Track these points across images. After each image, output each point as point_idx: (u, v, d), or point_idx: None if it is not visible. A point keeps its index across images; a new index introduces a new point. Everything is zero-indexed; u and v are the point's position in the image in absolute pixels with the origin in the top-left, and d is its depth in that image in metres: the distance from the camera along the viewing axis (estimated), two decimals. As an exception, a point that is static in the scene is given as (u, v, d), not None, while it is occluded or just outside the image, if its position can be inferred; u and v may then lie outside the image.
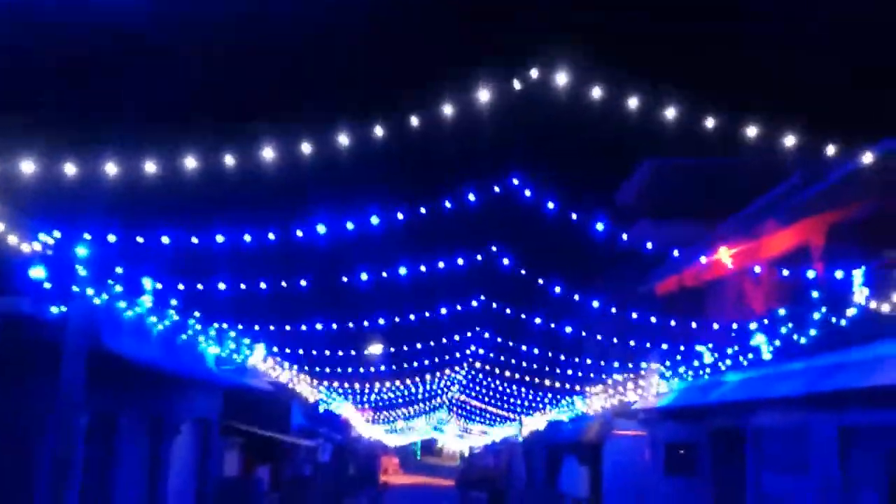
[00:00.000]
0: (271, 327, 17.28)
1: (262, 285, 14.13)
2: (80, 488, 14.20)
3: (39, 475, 11.81)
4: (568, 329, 17.22)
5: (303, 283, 14.17)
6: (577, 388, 25.63)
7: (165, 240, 11.18)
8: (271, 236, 11.24)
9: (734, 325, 14.96)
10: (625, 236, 11.92)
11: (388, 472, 62.72)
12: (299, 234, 11.26)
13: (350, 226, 11.33)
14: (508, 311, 17.30)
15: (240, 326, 17.23)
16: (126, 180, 8.30)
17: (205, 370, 17.51)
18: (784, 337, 13.57)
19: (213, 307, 15.58)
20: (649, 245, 12.30)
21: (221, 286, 14.09)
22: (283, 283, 14.19)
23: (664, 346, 17.26)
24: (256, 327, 17.28)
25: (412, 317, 17.43)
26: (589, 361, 20.90)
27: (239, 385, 20.11)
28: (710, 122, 8.58)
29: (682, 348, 17.17)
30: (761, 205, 17.87)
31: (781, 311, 13.45)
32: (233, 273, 14.00)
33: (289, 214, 10.96)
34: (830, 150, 8.65)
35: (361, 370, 23.78)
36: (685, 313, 17.40)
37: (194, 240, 11.15)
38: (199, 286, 14.11)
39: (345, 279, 14.30)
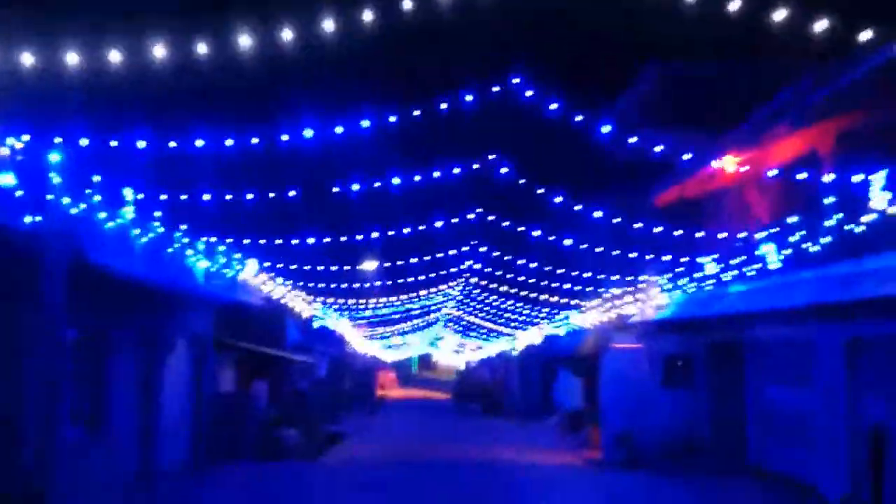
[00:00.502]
0: (262, 241, 16.57)
1: (249, 196, 13.35)
2: (70, 406, 13.80)
3: (27, 396, 11.27)
4: (568, 241, 16.55)
5: (291, 193, 13.39)
6: (574, 302, 25.16)
7: (141, 144, 10.34)
8: (254, 140, 10.41)
9: (743, 234, 14.29)
10: (634, 139, 11.11)
11: (386, 387, 63.21)
12: (284, 138, 10.43)
13: (339, 129, 10.50)
14: (506, 223, 16.60)
15: (229, 240, 16.51)
16: (90, 70, 7.42)
17: (195, 285, 16.88)
18: (794, 245, 12.93)
19: (200, 219, 14.84)
20: (658, 148, 11.49)
21: (206, 196, 13.32)
22: (271, 194, 13.40)
23: (666, 258, 16.64)
24: (247, 241, 16.57)
25: (406, 230, 16.72)
26: (588, 275, 20.32)
27: (232, 300, 19.54)
28: (733, 4, 7.69)
29: (684, 260, 16.55)
30: (769, 111, 16.99)
31: (792, 219, 12.77)
32: (217, 182, 13.21)
33: (272, 115, 10.10)
34: (863, 36, 7.80)
35: (356, 286, 23.23)
36: (687, 225, 16.72)
37: (172, 144, 10.32)
38: (183, 196, 13.34)
39: (335, 189, 13.53)
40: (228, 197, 13.31)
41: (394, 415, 40.86)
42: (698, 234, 14.89)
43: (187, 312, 18.11)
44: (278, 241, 16.56)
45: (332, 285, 22.59)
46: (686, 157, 11.67)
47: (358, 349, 47.40)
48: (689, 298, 19.18)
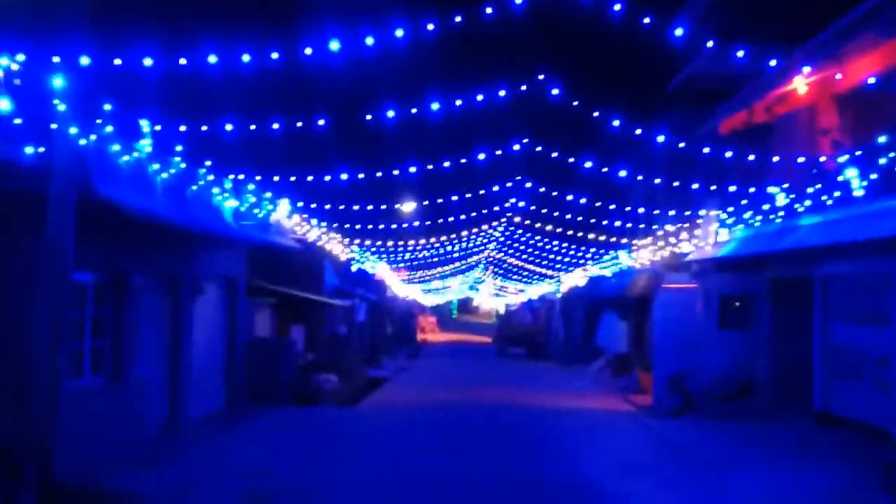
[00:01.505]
0: (292, 178, 15.38)
1: (275, 125, 12.10)
2: (89, 353, 12.93)
3: (34, 337, 10.33)
4: (622, 173, 15.09)
5: (321, 122, 12.11)
6: (624, 241, 23.73)
7: (148, 61, 9.11)
8: (274, 56, 9.11)
9: (823, 159, 12.72)
10: (710, 43, 9.59)
11: (426, 331, 62.71)
12: (308, 51, 9.11)
13: (370, 40, 9.14)
14: (555, 153, 15.17)
15: (258, 178, 15.35)
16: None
17: (223, 225, 15.83)
18: (883, 169, 11.37)
19: (224, 154, 13.66)
20: (740, 54, 9.92)
21: (228, 127, 12.10)
22: (298, 124, 12.14)
23: (732, 189, 15.12)
24: (276, 178, 15.40)
25: (447, 164, 15.38)
26: (641, 210, 18.86)
27: (264, 242, 18.50)
28: None
29: (751, 190, 15.02)
30: (845, 24, 15.18)
31: (882, 139, 11.20)
32: (238, 109, 11.97)
33: (292, 25, 8.78)
34: None
35: (394, 227, 22.02)
36: (754, 152, 15.15)
37: (182, 61, 9.07)
38: (204, 128, 12.14)
39: (368, 117, 12.22)
40: (252, 127, 12.05)
41: (434, 359, 40.06)
42: (774, 159, 13.30)
43: (216, 255, 17.11)
44: (310, 178, 15.33)
45: (369, 226, 21.43)
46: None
47: (398, 293, 46.57)
48: (751, 234, 17.69)
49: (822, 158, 13.05)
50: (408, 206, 26.35)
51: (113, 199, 11.01)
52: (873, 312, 15.60)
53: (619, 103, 12.49)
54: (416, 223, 22.63)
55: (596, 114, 12.16)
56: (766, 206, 15.34)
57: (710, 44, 9.63)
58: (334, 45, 9.00)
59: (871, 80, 11.43)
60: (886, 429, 14.50)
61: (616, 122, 12.22)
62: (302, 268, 24.73)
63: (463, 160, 15.23)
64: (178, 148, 13.09)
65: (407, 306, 52.60)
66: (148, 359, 14.96)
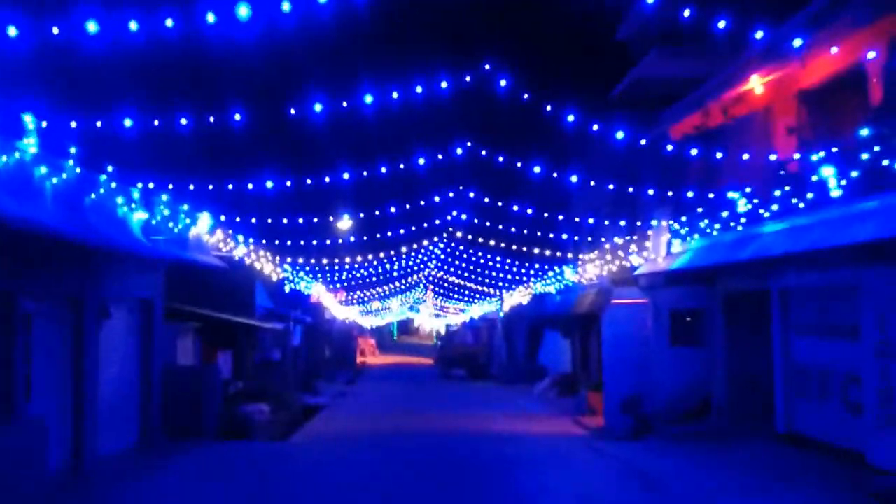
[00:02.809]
0: (210, 186, 13.50)
1: (183, 121, 10.27)
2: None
3: None
4: (573, 178, 13.65)
5: (236, 117, 10.33)
6: (570, 255, 22.38)
7: (12, 31, 7.26)
8: (169, 23, 7.35)
9: (796, 156, 11.47)
10: (687, 12, 8.20)
11: (366, 354, 60.64)
12: (210, 19, 7.38)
13: (286, 6, 7.47)
14: (500, 158, 13.67)
15: (170, 186, 13.43)
16: None
17: (131, 241, 13.86)
18: (865, 165, 10.14)
19: (126, 156, 11.76)
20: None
21: (128, 122, 10.24)
22: (210, 118, 10.34)
23: (689, 194, 13.82)
24: (191, 187, 13.50)
25: (383, 170, 13.72)
26: (591, 220, 17.48)
27: (184, 260, 16.51)
28: None
29: (709, 196, 13.74)
30: (802, 19, 14.11)
31: (864, 132, 9.97)
32: (138, 102, 10.13)
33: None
34: None
35: (328, 242, 20.21)
36: (711, 156, 13.90)
37: (55, 30, 7.25)
38: (98, 123, 10.26)
39: (292, 111, 10.50)
40: (156, 122, 10.21)
41: (375, 383, 38.11)
42: (743, 158, 11.99)
43: (127, 274, 15.08)
44: (230, 187, 13.49)
45: (301, 242, 19.56)
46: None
47: (336, 315, 44.53)
48: (707, 244, 16.46)
49: (796, 156, 11.80)
50: (343, 221, 24.57)
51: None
52: (839, 326, 14.46)
53: (571, 97, 11.04)
54: (352, 238, 20.88)
55: (548, 108, 10.69)
56: (724, 213, 14.06)
57: (686, 13, 8.20)
58: (243, 11, 7.29)
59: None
60: (858, 451, 13.30)
61: (570, 118, 10.76)
62: (229, 289, 22.70)
63: (401, 165, 13.59)
64: (72, 150, 11.15)
65: (346, 329, 50.52)
66: (45, 392, 12.90)
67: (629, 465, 14.78)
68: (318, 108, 10.43)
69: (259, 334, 25.71)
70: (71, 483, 13.00)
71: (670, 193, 14.02)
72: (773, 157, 11.99)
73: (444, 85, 10.55)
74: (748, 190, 13.09)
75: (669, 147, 12.19)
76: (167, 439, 16.91)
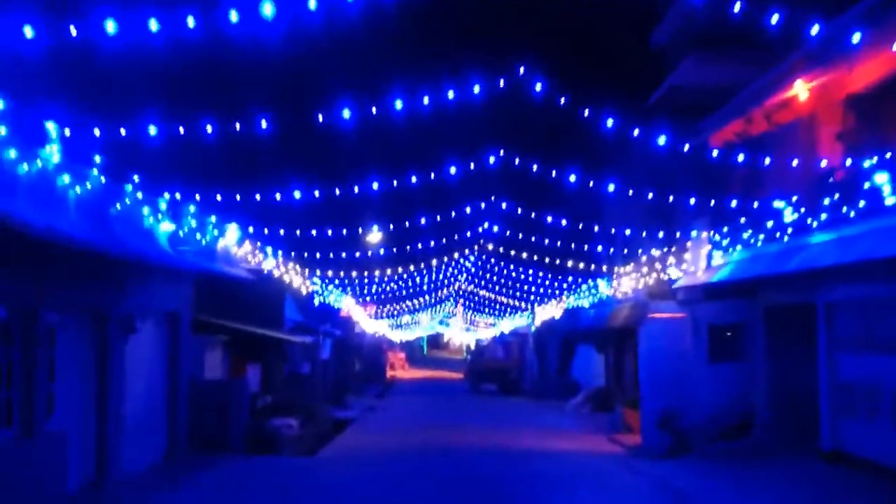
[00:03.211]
0: (237, 196, 13.20)
1: (208, 128, 9.96)
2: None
3: None
4: (610, 187, 13.13)
5: (263, 123, 10.00)
6: (604, 268, 21.78)
7: (28, 32, 6.98)
8: (191, 22, 7.01)
9: (848, 162, 10.86)
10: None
11: (395, 368, 60.23)
12: (233, 18, 7.04)
13: (312, 4, 7.11)
14: (534, 167, 13.21)
15: (196, 196, 13.15)
16: None
17: (158, 252, 13.58)
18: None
19: (151, 165, 11.47)
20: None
21: (152, 130, 9.95)
22: (237, 125, 10.01)
23: (733, 203, 13.23)
24: (219, 197, 13.20)
25: (413, 179, 13.33)
26: (628, 231, 16.91)
27: (212, 272, 16.24)
28: None
29: (755, 205, 13.15)
30: (848, 19, 13.48)
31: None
32: (162, 108, 9.83)
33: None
34: None
35: (357, 255, 19.84)
36: (756, 164, 13.31)
37: (73, 31, 6.95)
38: (122, 131, 9.98)
39: (320, 118, 10.15)
40: (181, 130, 9.91)
41: (404, 397, 37.64)
42: (794, 164, 11.39)
43: (153, 287, 14.82)
44: (258, 197, 13.17)
45: (330, 255, 19.22)
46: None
47: (366, 329, 44.20)
48: (749, 256, 15.82)
49: (848, 161, 11.19)
50: (372, 234, 24.23)
51: (3, 213, 8.81)
52: (889, 341, 13.75)
53: (607, 104, 10.54)
54: (382, 251, 20.50)
55: (586, 112, 10.22)
56: (769, 224, 13.44)
57: (737, 7, 7.69)
58: (268, 10, 6.93)
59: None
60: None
61: (609, 122, 10.27)
62: (258, 302, 22.41)
63: (432, 175, 13.18)
64: (96, 158, 10.89)
65: (375, 342, 50.17)
66: (68, 407, 12.63)
67: (667, 486, 14.13)
68: (346, 114, 10.06)
69: (288, 348, 25.39)
70: (92, 499, 12.69)
71: (713, 203, 13.43)
72: (823, 164, 11.37)
73: (476, 90, 10.13)
74: (794, 199, 12.46)
75: (715, 153, 11.59)
76: (194, 454, 16.60)
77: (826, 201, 11.61)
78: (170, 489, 13.70)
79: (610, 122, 10.24)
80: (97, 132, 10.01)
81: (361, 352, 44.91)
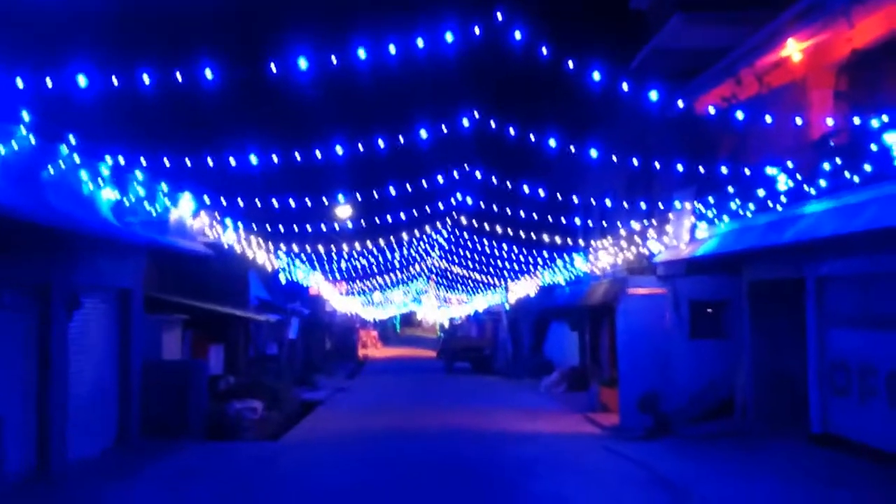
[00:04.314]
0: (187, 161, 11.97)
1: (145, 78, 8.75)
2: None
3: None
4: (592, 153, 12.10)
5: (208, 74, 8.79)
6: (581, 242, 20.84)
7: None
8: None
9: (856, 120, 9.90)
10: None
11: (368, 346, 59.29)
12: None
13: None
14: (512, 130, 12.14)
15: (142, 161, 11.90)
16: None
17: (101, 223, 12.35)
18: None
19: (90, 125, 10.23)
20: None
21: (82, 81, 8.72)
22: (178, 76, 8.81)
23: (724, 170, 12.27)
24: (166, 162, 11.97)
25: (381, 143, 12.19)
26: (608, 202, 15.92)
27: (162, 246, 15.02)
28: None
29: (746, 172, 12.19)
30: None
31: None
32: (97, 57, 8.62)
33: None
34: None
35: (324, 227, 18.66)
36: (746, 128, 12.36)
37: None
38: (48, 81, 8.74)
39: (273, 69, 8.98)
40: (114, 81, 8.69)
41: (376, 377, 36.61)
42: (797, 122, 10.40)
43: (99, 261, 13.58)
44: (210, 162, 11.97)
45: (295, 227, 18.03)
46: None
47: (337, 308, 43.05)
48: (736, 228, 14.93)
49: (856, 120, 10.22)
50: (340, 208, 23.05)
51: None
52: (885, 317, 12.94)
53: (595, 57, 9.47)
54: (350, 224, 19.32)
55: (570, 64, 9.15)
56: (761, 193, 12.50)
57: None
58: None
59: None
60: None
61: (596, 75, 9.21)
62: (221, 279, 21.20)
63: (401, 139, 12.06)
64: (25, 115, 9.63)
65: (347, 321, 49.07)
66: (5, 389, 11.46)
67: (650, 470, 13.26)
68: (302, 63, 8.90)
69: (253, 327, 24.25)
70: (33, 487, 11.57)
71: (702, 169, 12.46)
72: (829, 122, 10.41)
73: (449, 38, 9.00)
74: (790, 165, 11.53)
75: (711, 109, 10.59)
76: (148, 440, 15.46)
77: (826, 166, 10.68)
78: (118, 477, 12.60)
79: (597, 76, 9.18)
80: (20, 83, 8.75)
81: (332, 331, 43.82)
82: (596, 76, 9.18)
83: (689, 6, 16.30)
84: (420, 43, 9.00)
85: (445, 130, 12.19)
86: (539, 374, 31.28)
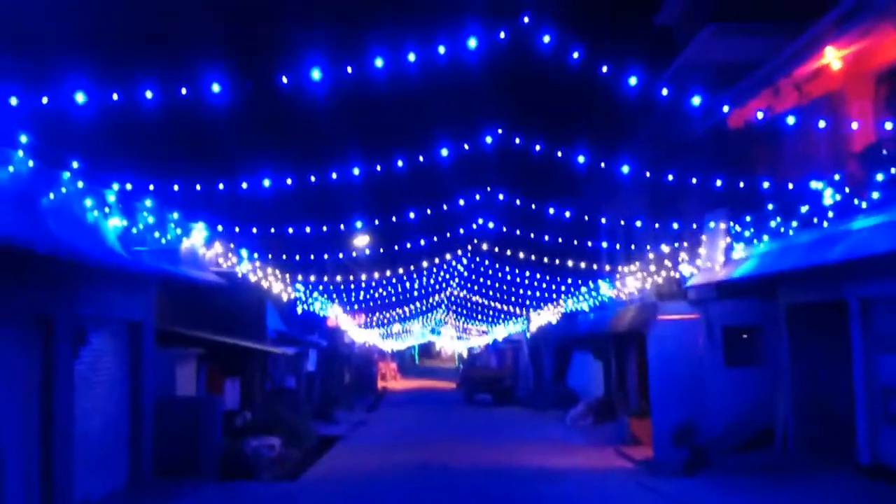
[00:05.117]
0: (197, 186, 11.30)
1: (148, 94, 8.09)
2: None
3: None
4: (624, 169, 11.31)
5: (215, 88, 8.12)
6: (607, 268, 19.96)
7: None
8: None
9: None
10: None
11: (387, 378, 58.29)
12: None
13: None
14: (538, 146, 11.39)
15: (150, 187, 11.24)
16: None
17: (107, 253, 11.66)
18: None
19: (92, 147, 9.58)
20: None
21: (80, 98, 8.07)
22: (183, 91, 8.13)
23: (766, 185, 11.43)
24: (175, 188, 11.30)
25: (400, 163, 11.48)
26: (639, 224, 15.08)
27: (175, 276, 14.31)
28: None
29: (789, 186, 11.35)
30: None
31: None
32: (95, 72, 7.98)
33: None
34: None
35: (341, 255, 17.91)
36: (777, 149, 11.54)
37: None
38: (45, 100, 8.10)
39: (284, 81, 8.29)
40: (115, 97, 8.03)
41: (396, 409, 35.64)
42: (853, 126, 9.56)
43: (106, 293, 12.88)
44: (221, 186, 11.28)
45: (311, 256, 17.30)
46: None
47: (356, 339, 42.21)
48: (775, 249, 14.04)
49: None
50: (358, 238, 22.36)
51: None
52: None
53: (629, 61, 8.72)
54: (367, 251, 18.57)
55: (604, 69, 8.40)
56: (804, 209, 11.64)
57: None
58: None
59: None
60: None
61: (633, 81, 8.45)
62: (237, 311, 20.48)
63: (420, 158, 11.34)
64: (22, 138, 8.99)
65: (366, 353, 48.18)
66: (6, 429, 10.71)
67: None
68: (316, 75, 8.21)
69: (271, 360, 23.46)
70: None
71: (741, 184, 11.62)
72: (889, 126, 9.56)
73: (472, 44, 8.29)
74: (837, 178, 10.67)
75: (761, 114, 9.77)
76: (160, 481, 14.63)
77: (880, 177, 9.81)
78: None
79: (633, 81, 8.41)
80: (14, 101, 8.11)
81: (351, 363, 42.94)
82: (633, 81, 8.40)
83: (720, 17, 15.54)
84: (441, 50, 8.29)
85: (467, 148, 11.44)
86: (562, 404, 30.22)
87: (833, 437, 15.21)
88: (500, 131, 11.27)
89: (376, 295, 26.58)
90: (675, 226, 14.57)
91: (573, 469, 16.79)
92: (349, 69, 8.24)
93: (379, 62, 8.27)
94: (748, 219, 13.62)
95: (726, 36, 15.50)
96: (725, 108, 9.60)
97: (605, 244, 17.79)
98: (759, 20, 15.34)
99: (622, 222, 15.46)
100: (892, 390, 13.33)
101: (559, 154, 11.25)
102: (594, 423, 25.28)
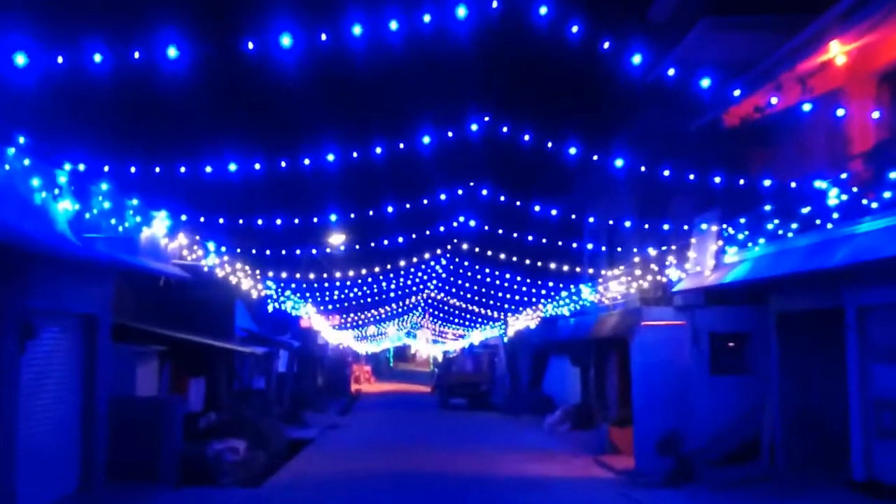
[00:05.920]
0: (157, 170, 10.35)
1: (97, 57, 7.16)
2: None
3: None
4: (618, 162, 10.54)
5: (172, 52, 7.20)
6: (590, 271, 19.21)
7: None
8: None
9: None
10: None
11: (361, 381, 57.21)
12: None
13: None
14: (527, 136, 10.59)
15: (105, 168, 10.26)
16: None
17: (55, 238, 10.67)
18: None
19: (40, 122, 8.62)
20: None
21: (20, 60, 7.12)
22: (135, 54, 7.21)
23: (767, 182, 10.70)
24: (133, 170, 10.34)
25: (378, 150, 10.61)
26: (628, 223, 14.32)
27: (132, 267, 13.30)
28: None
29: (792, 185, 10.63)
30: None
31: None
32: (37, 39, 7.04)
33: None
34: None
35: (314, 251, 16.97)
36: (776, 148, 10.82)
37: None
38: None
39: (250, 46, 7.40)
40: (59, 60, 7.11)
41: (370, 413, 34.66)
42: (874, 116, 8.82)
43: (57, 284, 11.85)
44: (182, 170, 10.34)
45: (283, 251, 16.36)
46: None
47: (329, 340, 41.17)
48: (771, 253, 13.34)
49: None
50: (333, 236, 21.45)
51: None
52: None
53: (632, 39, 7.93)
54: (343, 247, 17.66)
55: (605, 45, 7.58)
56: (805, 210, 10.93)
57: None
58: None
59: None
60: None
61: (637, 59, 7.66)
62: (203, 307, 19.42)
63: (401, 145, 10.48)
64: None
65: (340, 355, 47.12)
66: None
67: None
68: (286, 41, 7.32)
69: (238, 360, 22.44)
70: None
71: (742, 182, 10.88)
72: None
73: (461, 13, 7.46)
74: (843, 177, 9.97)
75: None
76: (114, 487, 13.58)
77: (894, 175, 9.12)
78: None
79: (637, 59, 7.62)
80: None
81: (324, 365, 41.89)
82: (637, 59, 7.61)
83: (716, 10, 14.84)
84: (427, 19, 7.45)
85: (451, 136, 10.60)
86: (539, 410, 29.47)
87: (824, 451, 14.55)
88: (486, 119, 10.45)
89: (351, 295, 25.66)
90: (665, 227, 13.82)
91: (552, 478, 16.00)
92: (323, 36, 7.37)
93: (357, 29, 7.41)
94: (742, 220, 12.90)
95: (721, 31, 14.83)
96: (737, 93, 8.84)
97: (590, 245, 17.06)
98: (758, 11, 14.64)
99: (610, 222, 14.69)
100: (887, 403, 12.67)
101: (549, 145, 10.44)
102: (571, 429, 24.52)
